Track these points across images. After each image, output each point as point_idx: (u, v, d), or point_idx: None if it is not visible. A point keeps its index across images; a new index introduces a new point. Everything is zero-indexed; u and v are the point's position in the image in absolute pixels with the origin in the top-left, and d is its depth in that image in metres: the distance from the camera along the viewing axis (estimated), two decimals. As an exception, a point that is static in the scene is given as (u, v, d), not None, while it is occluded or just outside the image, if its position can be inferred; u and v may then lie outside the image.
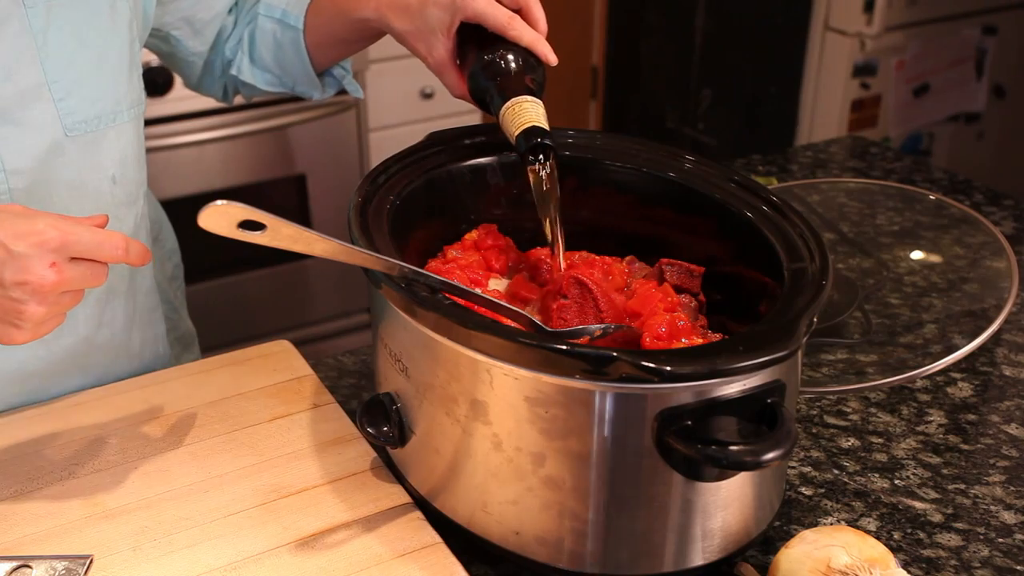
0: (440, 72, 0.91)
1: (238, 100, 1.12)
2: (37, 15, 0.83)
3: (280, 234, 0.66)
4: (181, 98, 1.96)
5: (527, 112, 0.81)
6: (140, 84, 0.94)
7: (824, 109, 2.34)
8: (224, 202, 0.63)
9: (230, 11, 1.05)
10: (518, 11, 0.87)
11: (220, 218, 0.63)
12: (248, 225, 0.64)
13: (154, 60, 1.89)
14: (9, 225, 0.68)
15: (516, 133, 0.81)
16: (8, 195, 0.83)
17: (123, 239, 0.71)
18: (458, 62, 0.90)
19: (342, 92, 1.08)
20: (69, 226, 0.69)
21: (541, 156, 0.81)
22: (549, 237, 0.82)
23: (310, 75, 1.03)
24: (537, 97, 0.83)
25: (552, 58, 0.85)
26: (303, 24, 1.00)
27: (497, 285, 0.86)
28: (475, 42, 0.87)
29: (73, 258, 0.69)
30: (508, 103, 0.82)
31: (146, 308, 1.01)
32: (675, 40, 2.69)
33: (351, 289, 2.29)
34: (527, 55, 0.85)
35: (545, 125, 0.81)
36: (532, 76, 0.85)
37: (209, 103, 1.99)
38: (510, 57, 0.85)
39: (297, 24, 1.00)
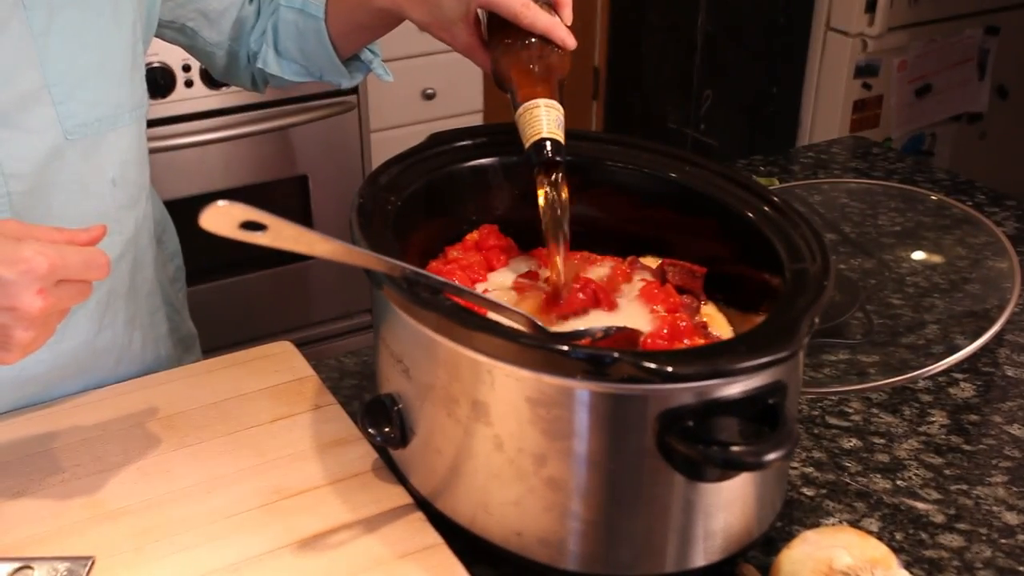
0: (469, 56, 0.90)
1: (269, 91, 1.13)
2: (38, 18, 0.82)
3: (282, 235, 0.66)
4: (183, 99, 1.96)
5: (538, 121, 0.80)
6: (143, 86, 0.94)
7: (826, 109, 2.33)
8: (226, 203, 0.63)
9: (250, 1, 1.05)
10: None
11: (222, 218, 0.63)
12: (250, 226, 0.64)
13: (155, 60, 1.89)
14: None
15: (527, 145, 0.80)
16: (7, 198, 0.83)
17: (107, 258, 0.71)
18: (488, 41, 0.88)
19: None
20: (57, 251, 0.68)
21: (551, 169, 0.80)
22: (549, 243, 0.81)
23: (335, 63, 1.03)
24: (554, 94, 0.81)
25: (570, 42, 0.83)
26: (324, 13, 1.00)
27: (501, 279, 0.85)
28: (498, 25, 0.86)
29: (60, 280, 0.69)
30: (521, 108, 0.81)
31: (147, 311, 1.01)
32: (676, 40, 2.69)
33: (352, 290, 2.29)
34: (544, 43, 0.83)
35: (556, 133, 0.79)
36: (548, 69, 0.82)
37: (210, 104, 1.99)
38: (524, 49, 0.83)
39: (318, 13, 1.00)
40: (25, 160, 0.84)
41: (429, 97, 2.32)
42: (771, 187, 1.20)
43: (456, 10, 0.86)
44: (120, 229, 0.93)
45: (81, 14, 0.85)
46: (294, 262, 2.16)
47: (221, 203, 0.63)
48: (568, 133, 0.92)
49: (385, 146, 2.25)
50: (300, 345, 1.00)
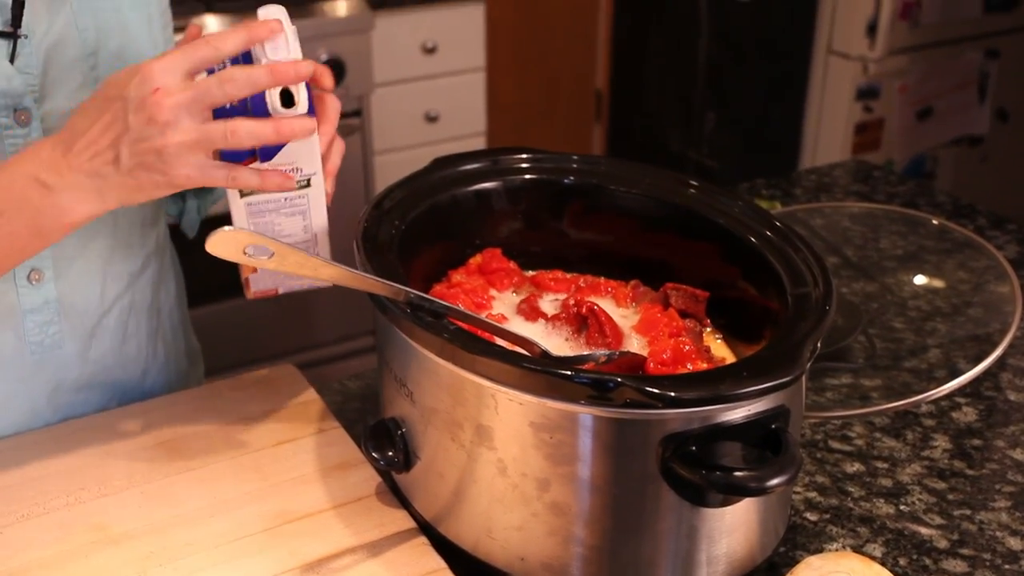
0: None
1: None
2: (89, 39, 0.85)
3: (287, 260, 0.66)
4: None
5: None
6: None
7: (827, 132, 2.35)
8: (232, 228, 0.64)
9: None
10: None
11: (227, 244, 0.64)
12: (255, 250, 0.65)
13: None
14: (118, 79, 0.71)
15: None
16: None
17: (232, 31, 0.71)
18: None
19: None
20: (169, 53, 0.70)
21: None
22: None
23: None
24: None
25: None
26: None
27: (505, 303, 0.86)
28: None
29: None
30: None
31: (169, 325, 1.02)
32: (678, 63, 2.70)
33: (355, 312, 2.29)
34: None
35: None
36: None
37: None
38: None
39: None
40: None
41: (432, 120, 2.34)
42: (773, 210, 1.20)
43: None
44: (143, 243, 0.95)
45: (122, 38, 0.88)
46: (297, 284, 2.17)
47: (227, 228, 0.63)
48: (570, 157, 0.93)
49: (388, 168, 2.26)
50: (302, 367, 1.00)
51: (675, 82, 2.74)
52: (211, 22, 1.98)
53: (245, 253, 0.65)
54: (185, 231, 1.04)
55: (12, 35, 0.80)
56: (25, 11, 0.80)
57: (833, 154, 2.31)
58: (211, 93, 0.69)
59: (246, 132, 0.70)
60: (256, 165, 0.73)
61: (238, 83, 0.70)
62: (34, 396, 0.90)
